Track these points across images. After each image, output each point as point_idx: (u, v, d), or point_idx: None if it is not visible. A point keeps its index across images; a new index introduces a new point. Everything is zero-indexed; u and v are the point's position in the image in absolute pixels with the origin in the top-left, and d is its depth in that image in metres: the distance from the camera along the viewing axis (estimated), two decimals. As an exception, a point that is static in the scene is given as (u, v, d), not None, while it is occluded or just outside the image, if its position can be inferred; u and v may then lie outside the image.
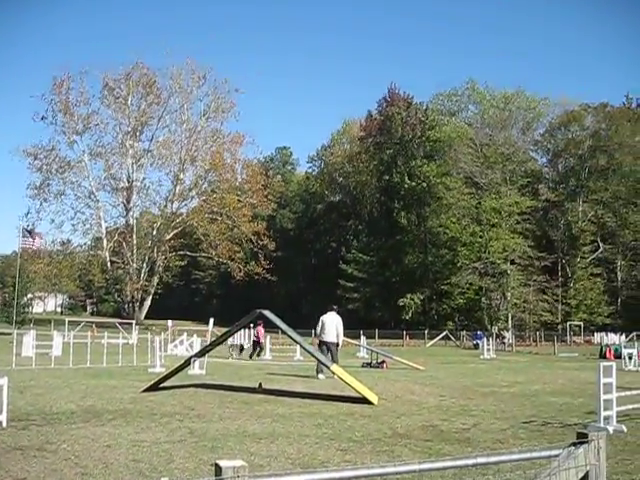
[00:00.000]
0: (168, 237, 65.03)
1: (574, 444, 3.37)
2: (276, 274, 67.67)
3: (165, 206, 66.68)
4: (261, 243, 62.37)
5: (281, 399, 13.15)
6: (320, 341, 18.89)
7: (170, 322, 33.93)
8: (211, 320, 34.12)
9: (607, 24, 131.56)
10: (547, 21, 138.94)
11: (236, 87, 65.95)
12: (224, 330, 21.99)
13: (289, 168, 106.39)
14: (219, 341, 17.88)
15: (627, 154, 67.40)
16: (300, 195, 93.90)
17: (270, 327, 17.69)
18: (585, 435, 3.40)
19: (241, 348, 28.43)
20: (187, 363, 15.94)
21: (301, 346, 16.46)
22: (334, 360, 17.76)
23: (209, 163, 64.75)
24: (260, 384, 14.83)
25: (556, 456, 3.36)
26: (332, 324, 18.70)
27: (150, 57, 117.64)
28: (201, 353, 17.36)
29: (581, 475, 3.32)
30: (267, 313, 14.11)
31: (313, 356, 14.68)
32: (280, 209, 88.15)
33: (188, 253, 70.09)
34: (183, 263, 76.45)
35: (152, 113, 66.14)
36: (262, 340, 28.13)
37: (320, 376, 17.30)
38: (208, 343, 19.51)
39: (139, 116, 65.08)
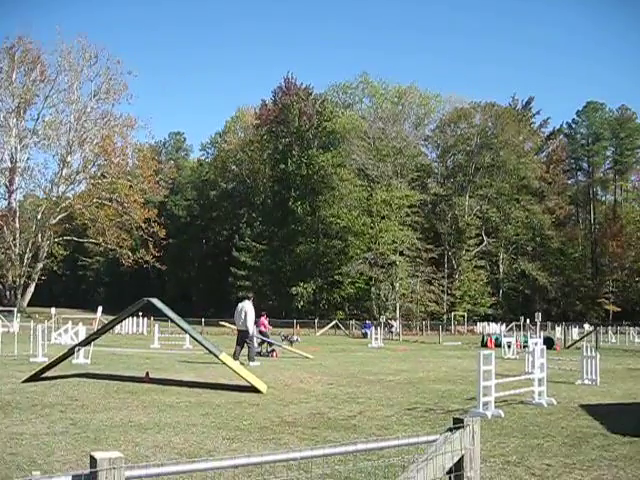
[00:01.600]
0: (54, 222, 62.53)
1: (450, 429, 3.49)
2: (167, 262, 66.53)
3: (51, 189, 64.03)
4: (151, 230, 60.98)
5: (169, 388, 12.97)
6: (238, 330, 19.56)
7: (53, 309, 32.75)
8: (99, 308, 33.21)
9: (498, 28, 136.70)
10: (440, 20, 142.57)
11: (129, 69, 64.05)
12: (112, 318, 21.40)
13: (182, 154, 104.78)
14: (105, 329, 17.40)
15: (511, 152, 70.37)
16: (193, 182, 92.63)
17: (159, 316, 17.38)
18: (461, 420, 3.52)
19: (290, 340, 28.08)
20: (71, 352, 15.44)
21: (190, 335, 16.28)
22: (238, 347, 18.83)
23: (99, 146, 62.59)
24: (147, 373, 14.54)
25: (434, 441, 3.47)
26: (240, 312, 19.23)
27: (38, 34, 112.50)
28: (86, 342, 16.85)
29: (457, 459, 3.44)
30: (155, 301, 13.84)
31: (201, 344, 14.52)
32: (172, 195, 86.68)
33: (75, 239, 67.75)
34: (69, 249, 73.87)
35: (38, 91, 63.25)
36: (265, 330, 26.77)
37: (251, 363, 18.01)
38: (94, 331, 18.95)
39: (23, 93, 62.10)
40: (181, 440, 8.08)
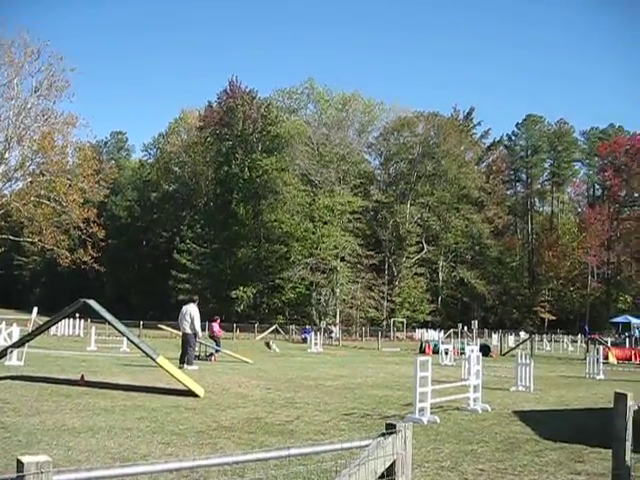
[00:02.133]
0: (-12, 219, 60.92)
1: (383, 434, 3.53)
2: (106, 263, 65.33)
3: (-14, 186, 62.29)
4: (90, 230, 59.85)
5: (104, 392, 12.74)
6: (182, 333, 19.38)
7: (-15, 310, 31.89)
8: (34, 309, 32.47)
9: (440, 39, 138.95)
10: (384, 27, 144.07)
11: (72, 66, 62.77)
12: (47, 319, 20.92)
13: (124, 154, 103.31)
14: (40, 331, 17.01)
15: (453, 162, 71.56)
16: (134, 183, 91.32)
17: (96, 317, 17.08)
18: (393, 426, 3.57)
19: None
20: (4, 354, 15.04)
21: (127, 337, 16.05)
22: (184, 351, 18.67)
23: (38, 144, 61.17)
24: (82, 376, 14.25)
25: (367, 446, 3.51)
26: (185, 315, 19.12)
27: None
28: (19, 343, 16.44)
29: (389, 463, 3.49)
30: (92, 303, 13.61)
31: (138, 347, 14.34)
32: (112, 196, 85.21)
33: (11, 237, 66.05)
34: (5, 248, 71.88)
35: (-25, 86, 61.53)
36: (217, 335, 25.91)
37: (188, 367, 17.78)
38: (28, 332, 18.50)
39: (-40, 88, 60.30)
40: (115, 444, 7.95)
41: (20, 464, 2.64)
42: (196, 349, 21.68)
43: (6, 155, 61.97)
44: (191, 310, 19.17)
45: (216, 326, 25.76)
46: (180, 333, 19.89)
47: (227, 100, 70.54)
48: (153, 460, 6.90)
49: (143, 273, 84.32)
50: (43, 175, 62.05)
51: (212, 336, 26.31)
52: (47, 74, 61.98)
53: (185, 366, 17.89)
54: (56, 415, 9.88)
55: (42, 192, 60.56)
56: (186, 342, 18.92)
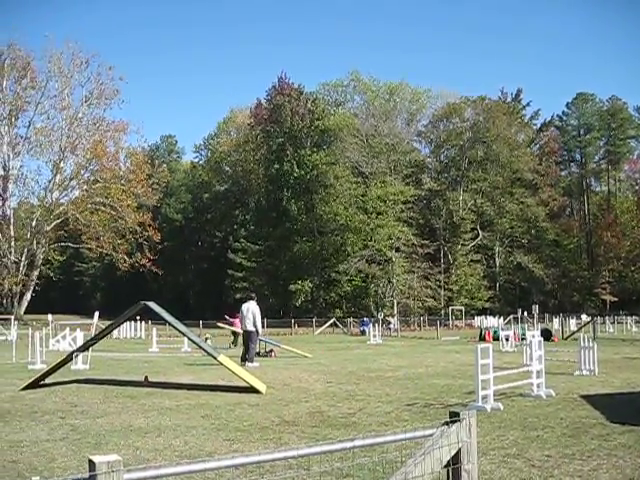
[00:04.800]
0: (48, 228, 62.47)
1: (447, 423, 3.51)
2: (163, 265, 66.50)
3: (45, 196, 63.95)
4: (146, 234, 61.02)
5: (168, 392, 12.95)
6: (243, 330, 19.53)
7: (50, 316, 32.66)
8: (96, 313, 33.09)
9: (484, 21, 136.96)
10: (427, 16, 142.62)
11: (121, 75, 63.98)
12: (109, 323, 21.38)
13: (175, 157, 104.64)
14: (103, 334, 17.40)
15: (504, 146, 70.47)
16: (186, 185, 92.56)
17: (156, 319, 17.38)
18: (457, 414, 3.55)
19: None
20: (69, 358, 15.41)
21: (188, 337, 16.26)
22: (245, 349, 19.01)
23: (91, 152, 62.56)
24: (146, 377, 14.55)
25: (431, 435, 3.49)
26: (248, 312, 19.16)
27: (27, 40, 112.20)
28: (84, 347, 16.83)
29: (454, 452, 3.47)
30: (152, 305, 13.83)
31: (199, 347, 14.53)
32: (166, 199, 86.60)
33: (70, 245, 67.76)
34: (65, 256, 73.74)
35: (29, 98, 63.21)
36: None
37: (249, 364, 17.89)
38: (92, 337, 18.93)
39: (14, 100, 62.03)
40: (181, 443, 8.08)
41: (92, 464, 2.71)
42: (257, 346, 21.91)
43: (61, 165, 63.64)
44: (252, 307, 19.24)
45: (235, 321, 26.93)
46: (241, 331, 20.11)
47: (276, 97, 70.87)
48: (219, 457, 7.00)
49: (199, 273, 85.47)
50: (98, 182, 63.47)
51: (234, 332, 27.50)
52: (97, 83, 63.47)
53: (247, 364, 18.06)
54: (123, 416, 10.09)
55: (97, 199, 61.98)
56: (248, 339, 19.04)
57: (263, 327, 25.74)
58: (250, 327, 19.05)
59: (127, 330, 39.34)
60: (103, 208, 61.89)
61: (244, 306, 19.55)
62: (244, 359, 18.44)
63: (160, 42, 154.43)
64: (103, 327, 20.62)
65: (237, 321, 26.47)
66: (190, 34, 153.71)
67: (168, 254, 74.65)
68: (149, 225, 61.86)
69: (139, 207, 65.20)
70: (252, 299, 19.78)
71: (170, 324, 14.37)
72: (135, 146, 70.01)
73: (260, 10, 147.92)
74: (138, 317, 35.67)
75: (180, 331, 14.51)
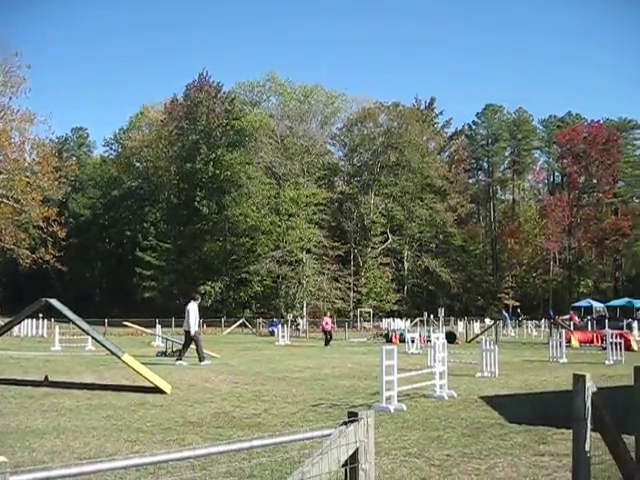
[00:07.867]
0: (-55, 220, 59.65)
1: (345, 423, 3.57)
2: (68, 262, 64.55)
3: (-58, 186, 61.03)
4: (51, 229, 59.04)
5: (68, 392, 12.62)
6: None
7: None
8: (-5, 310, 31.94)
9: (401, 30, 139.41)
10: (346, 20, 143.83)
11: (28, 63, 61.64)
12: (9, 320, 20.60)
13: (85, 150, 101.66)
14: (1, 332, 16.73)
15: (415, 152, 71.89)
16: (96, 179, 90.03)
17: (59, 317, 16.86)
18: (355, 414, 3.61)
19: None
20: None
21: (91, 336, 15.90)
22: (182, 348, 19.85)
23: (-6, 141, 60.04)
24: (46, 377, 14.10)
25: (329, 435, 3.53)
26: (186, 313, 19.72)
27: None
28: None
29: (351, 451, 3.52)
30: (54, 302, 13.45)
31: (103, 345, 14.21)
32: (74, 193, 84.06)
33: (-32, 238, 64.91)
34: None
35: None
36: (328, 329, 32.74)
37: (201, 363, 18.70)
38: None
39: None
40: (81, 444, 7.88)
41: (-24, 465, 2.62)
42: (163, 345, 21.64)
43: (-38, 154, 60.79)
44: (188, 307, 19.72)
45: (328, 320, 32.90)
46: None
47: (194, 93, 69.97)
48: (115, 457, 6.86)
49: (107, 271, 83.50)
50: (0, 173, 60.95)
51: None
52: (2, 71, 60.88)
53: (201, 363, 18.73)
54: (20, 417, 9.77)
55: (0, 191, 59.52)
56: (193, 340, 19.49)
57: (170, 327, 25.44)
58: (185, 327, 19.65)
59: (28, 328, 37.95)
60: (6, 201, 59.50)
61: (187, 307, 19.98)
62: (200, 359, 19.03)
63: (72, 32, 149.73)
64: (2, 324, 19.86)
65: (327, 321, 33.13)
66: (104, 25, 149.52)
67: (74, 250, 72.53)
68: (54, 220, 59.87)
69: (45, 201, 63.05)
70: (193, 299, 20.40)
71: (73, 322, 14.00)
72: (42, 137, 67.69)
73: (175, 6, 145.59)
74: (41, 314, 34.57)
75: (82, 329, 14.17)
